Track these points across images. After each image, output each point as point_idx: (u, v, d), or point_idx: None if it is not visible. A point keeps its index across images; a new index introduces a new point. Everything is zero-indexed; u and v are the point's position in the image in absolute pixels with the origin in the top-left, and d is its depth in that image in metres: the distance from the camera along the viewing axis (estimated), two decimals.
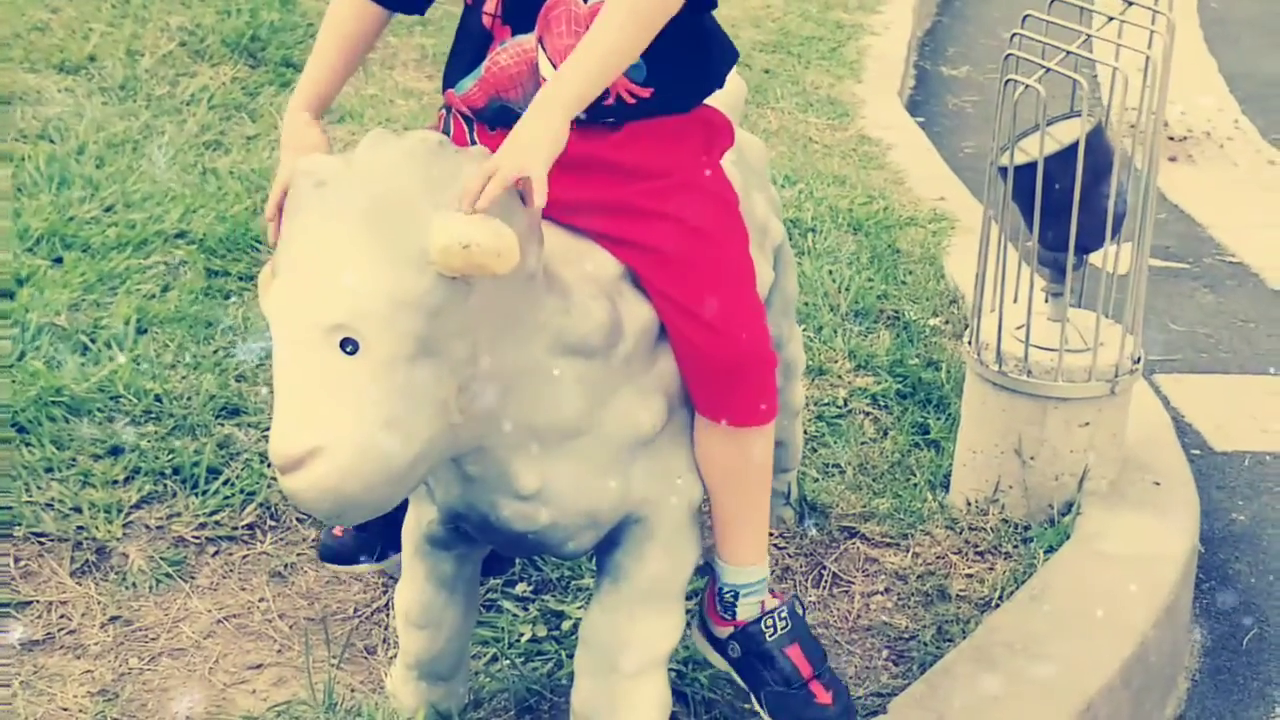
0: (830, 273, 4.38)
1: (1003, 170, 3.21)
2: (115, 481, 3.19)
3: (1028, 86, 3.10)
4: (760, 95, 6.62)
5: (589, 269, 2.32)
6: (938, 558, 3.26)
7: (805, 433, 3.64)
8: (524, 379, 2.22)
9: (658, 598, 2.43)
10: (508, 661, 2.83)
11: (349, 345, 2.02)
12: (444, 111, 2.47)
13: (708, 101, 2.44)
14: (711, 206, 2.37)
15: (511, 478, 2.27)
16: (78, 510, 3.10)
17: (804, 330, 4.04)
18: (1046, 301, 3.33)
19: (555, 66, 2.28)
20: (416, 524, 2.52)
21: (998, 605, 3.08)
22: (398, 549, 2.69)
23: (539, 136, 2.14)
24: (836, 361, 3.94)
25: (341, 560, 2.94)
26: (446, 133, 2.44)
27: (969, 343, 3.37)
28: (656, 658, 2.43)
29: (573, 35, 2.27)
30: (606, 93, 2.27)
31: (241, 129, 5.07)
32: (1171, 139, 7.13)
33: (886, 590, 3.18)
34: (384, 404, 2.04)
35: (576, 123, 2.19)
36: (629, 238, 2.33)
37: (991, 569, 3.23)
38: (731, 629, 2.54)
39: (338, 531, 2.92)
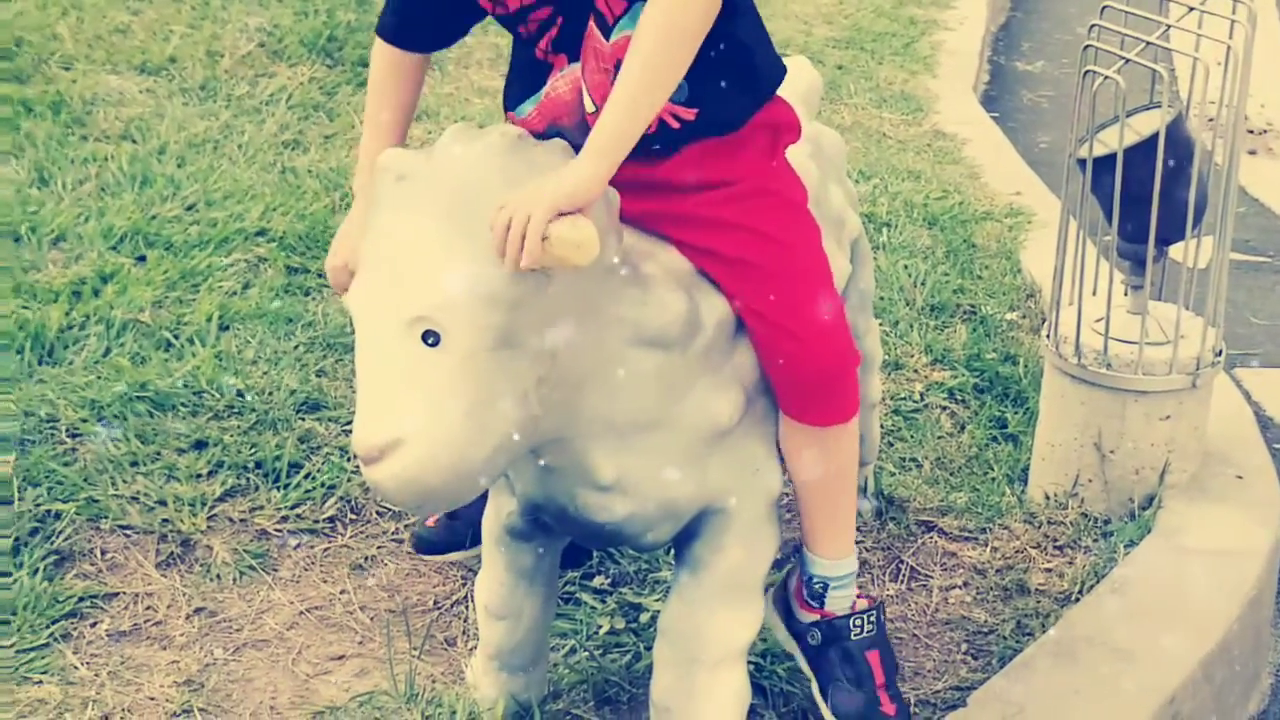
0: (906, 267, 4.37)
1: (1081, 162, 3.20)
2: (199, 475, 3.23)
3: (1107, 78, 3.08)
4: (834, 91, 6.60)
5: (665, 262, 2.33)
6: (1016, 552, 3.25)
7: (882, 427, 3.63)
8: (602, 371, 2.23)
9: (737, 589, 2.44)
10: (586, 653, 2.85)
11: (430, 337, 2.05)
12: None
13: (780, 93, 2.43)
14: (780, 210, 2.36)
15: (590, 469, 2.29)
16: (163, 503, 3.14)
17: (880, 325, 4.03)
18: (1126, 294, 3.31)
19: (593, 98, 2.27)
20: (496, 516, 2.54)
21: (1077, 600, 3.07)
22: None
23: (563, 183, 2.08)
24: (913, 356, 3.93)
25: (436, 550, 2.99)
26: None
27: (1047, 336, 3.36)
28: (736, 649, 2.44)
29: (600, 71, 2.24)
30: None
31: (319, 128, 5.12)
32: (1251, 132, 7.06)
33: (965, 584, 3.17)
34: (464, 395, 2.06)
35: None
36: (697, 243, 2.33)
37: (1071, 563, 3.21)
38: (817, 618, 2.56)
39: (430, 522, 2.97)
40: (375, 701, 2.72)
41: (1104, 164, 3.14)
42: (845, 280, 2.80)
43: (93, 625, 2.88)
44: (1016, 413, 3.73)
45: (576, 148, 2.18)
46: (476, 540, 2.67)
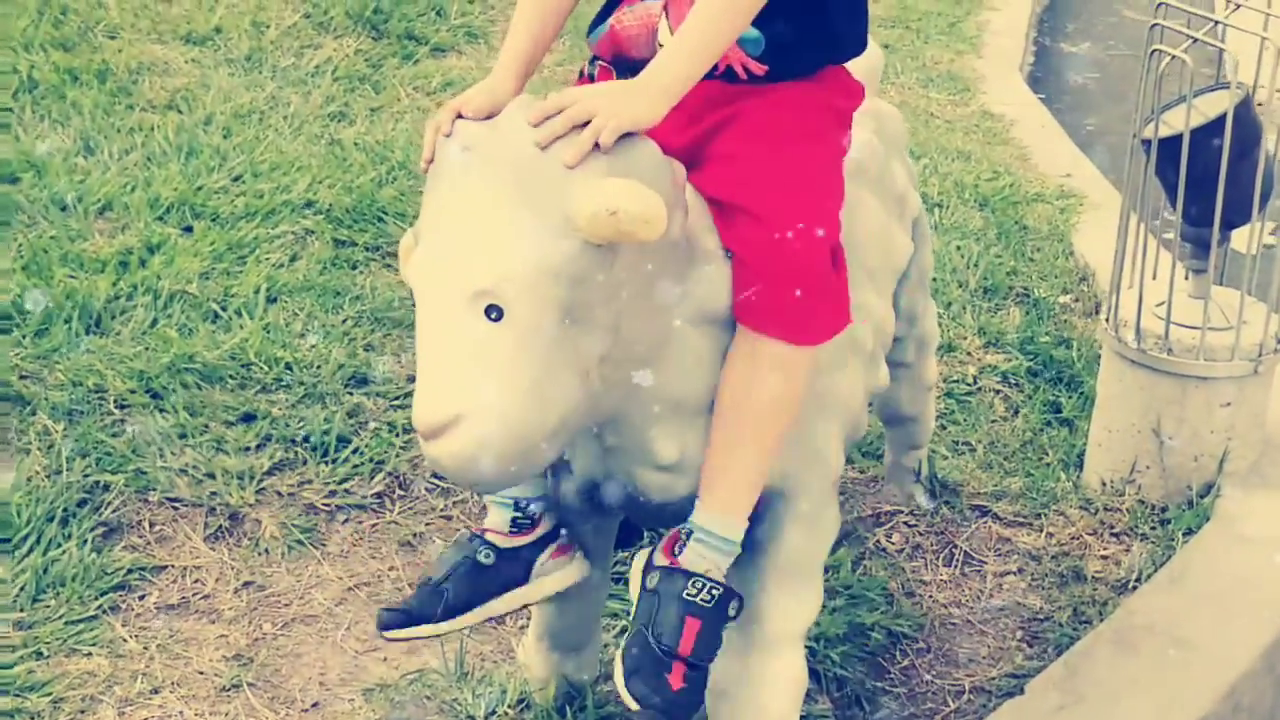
0: (958, 248, 4.32)
1: (1146, 143, 3.14)
2: (247, 448, 3.21)
3: (1174, 57, 3.03)
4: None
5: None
6: (1072, 538, 3.21)
7: (935, 411, 3.59)
8: (665, 348, 2.19)
9: (795, 572, 2.39)
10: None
11: (493, 312, 2.00)
12: (589, 61, 2.44)
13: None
14: (802, 137, 2.27)
15: (650, 448, 2.25)
16: (211, 476, 3.12)
17: None
18: (1188, 278, 3.26)
19: (671, 29, 2.24)
20: (551, 493, 2.51)
21: (1135, 588, 3.03)
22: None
23: (628, 107, 2.07)
24: (966, 338, 3.88)
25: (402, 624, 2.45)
26: (591, 79, 2.41)
27: (1106, 319, 3.31)
28: (794, 633, 2.40)
29: (687, 4, 2.22)
30: (716, 65, 2.21)
31: (365, 100, 5.08)
32: None
33: (1020, 570, 3.13)
34: (527, 371, 2.02)
35: None
36: (707, 156, 2.26)
37: (1128, 550, 3.17)
38: (667, 564, 2.26)
39: (397, 602, 2.56)
40: (426, 679, 2.70)
41: (1169, 145, 3.09)
42: (908, 258, 2.75)
43: (141, 598, 2.86)
44: (1071, 397, 3.68)
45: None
46: (452, 612, 2.40)
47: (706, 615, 2.24)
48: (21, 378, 3.30)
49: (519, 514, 2.45)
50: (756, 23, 2.22)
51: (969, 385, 3.72)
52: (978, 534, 3.23)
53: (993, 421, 3.60)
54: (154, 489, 3.07)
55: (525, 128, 2.09)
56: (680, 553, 2.27)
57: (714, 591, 2.25)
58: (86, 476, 3.05)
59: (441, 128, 2.15)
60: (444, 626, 2.40)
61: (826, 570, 2.94)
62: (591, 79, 2.41)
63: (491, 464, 2.04)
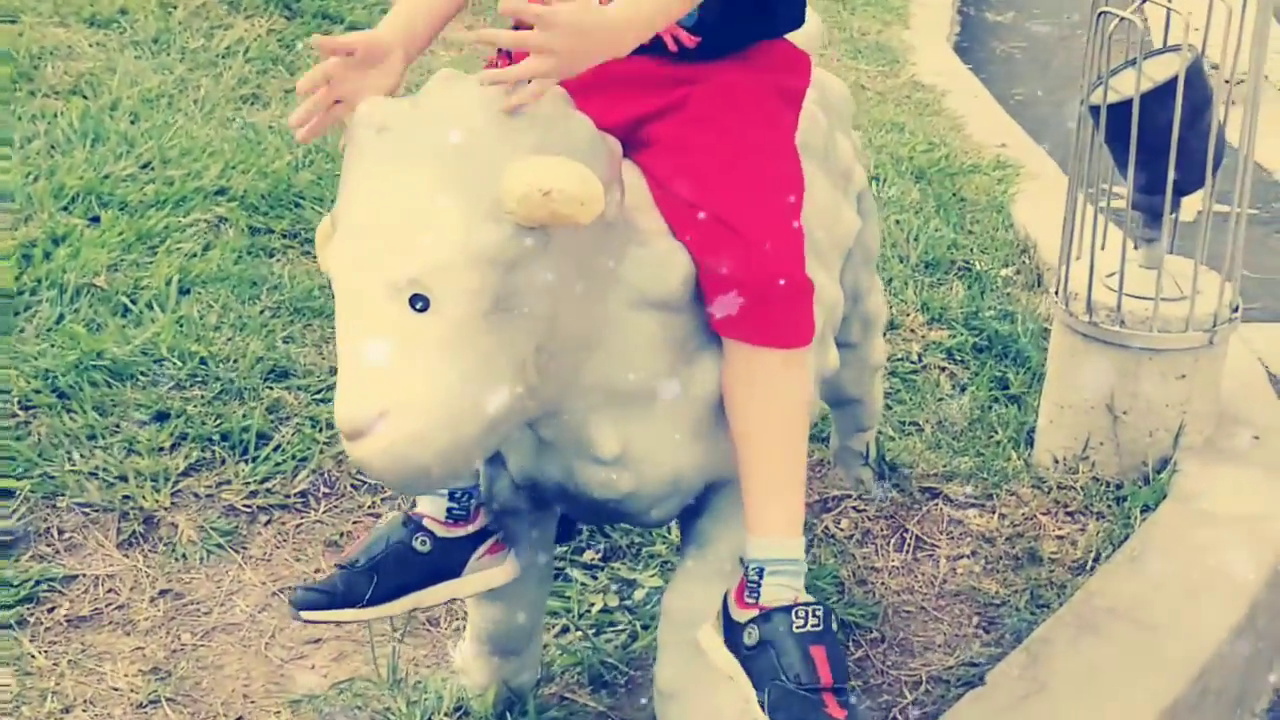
0: (898, 222, 4.20)
1: (1094, 109, 3.03)
2: (161, 449, 3.04)
3: (1122, 19, 2.91)
4: None
5: (659, 218, 2.15)
6: (1026, 519, 3.10)
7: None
8: (604, 336, 2.06)
9: None
10: (579, 633, 2.68)
11: (418, 302, 1.87)
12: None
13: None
14: (758, 122, 2.18)
15: (590, 442, 2.11)
16: (123, 479, 2.95)
17: None
18: (1138, 249, 3.15)
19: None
20: (485, 490, 2.37)
21: (1093, 569, 2.92)
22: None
23: (599, 40, 1.97)
24: (909, 315, 3.77)
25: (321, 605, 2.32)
26: (510, 53, 2.27)
27: (1056, 292, 3.19)
28: None
29: None
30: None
31: (280, 82, 4.90)
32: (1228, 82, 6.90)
33: (973, 554, 3.02)
34: (456, 365, 1.89)
35: None
36: (657, 137, 2.15)
37: (1084, 530, 3.06)
38: (755, 613, 2.14)
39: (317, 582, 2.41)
40: (356, 688, 2.55)
41: (1118, 111, 2.98)
42: (854, 234, 2.63)
43: (50, 610, 2.69)
44: (1018, 372, 3.58)
45: None
46: (379, 597, 2.28)
47: (824, 638, 2.14)
48: None
49: (454, 504, 2.33)
50: None
51: (913, 363, 3.60)
52: (929, 517, 3.11)
53: (939, 400, 3.48)
54: (63, 494, 2.90)
55: (449, 105, 1.95)
56: (758, 596, 2.15)
57: (816, 613, 2.14)
58: None
59: (316, 81, 2.06)
60: (368, 612, 2.28)
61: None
62: (509, 58, 2.27)
63: (421, 464, 1.91)
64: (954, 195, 4.55)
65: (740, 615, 2.18)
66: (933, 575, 2.96)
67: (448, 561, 2.31)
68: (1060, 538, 3.04)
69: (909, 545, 3.03)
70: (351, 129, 2.00)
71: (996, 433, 3.36)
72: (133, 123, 4.39)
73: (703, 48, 2.15)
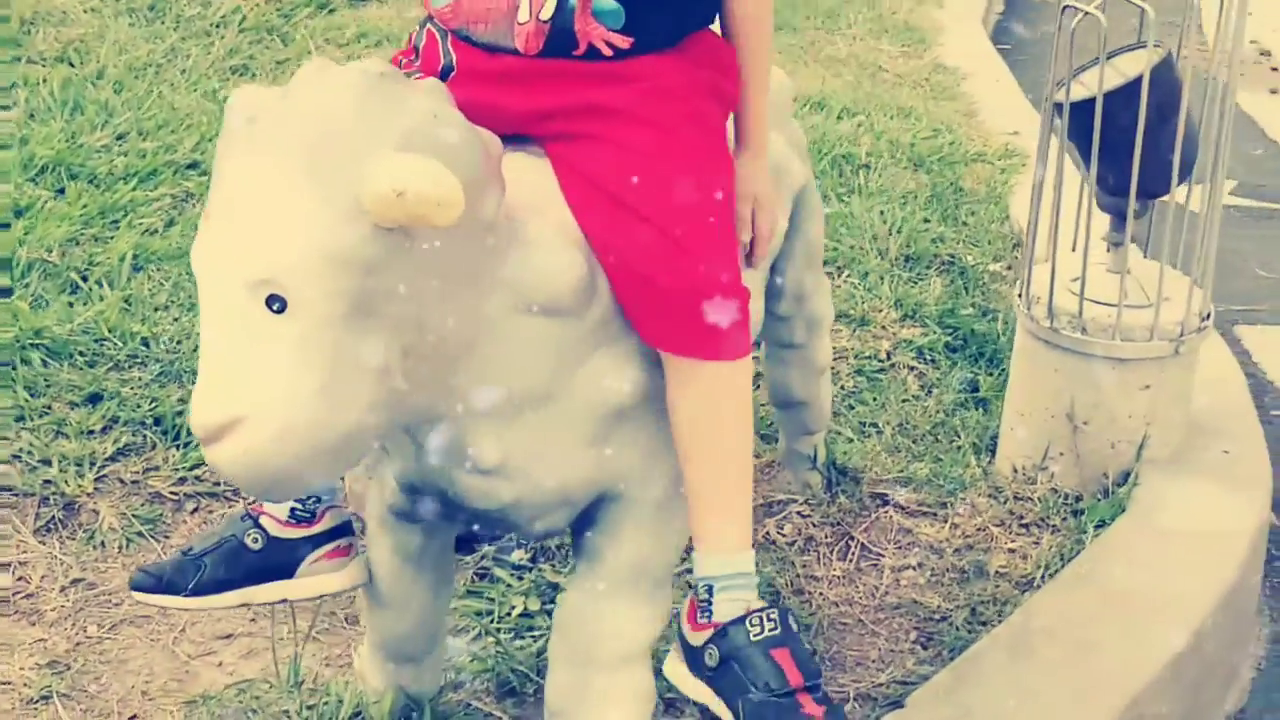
0: (882, 213, 4.07)
1: (1059, 106, 2.91)
2: (91, 432, 2.98)
3: (1086, 14, 2.79)
4: (831, 20, 6.30)
5: (560, 218, 2.06)
6: (978, 530, 2.98)
7: (842, 388, 3.37)
8: (482, 341, 1.97)
9: (638, 582, 2.17)
10: (492, 639, 2.59)
11: (275, 303, 1.79)
12: (419, 26, 2.22)
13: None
14: (687, 117, 2.10)
15: (470, 450, 2.03)
16: (47, 463, 2.89)
17: (848, 277, 3.76)
18: (1109, 251, 3.03)
19: (532, 7, 2.04)
20: (379, 494, 2.29)
21: (1040, 585, 2.80)
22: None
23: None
24: (881, 311, 3.65)
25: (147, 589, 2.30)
26: (418, 46, 2.19)
27: (1019, 295, 3.08)
28: (636, 649, 2.18)
29: None
30: (575, 41, 2.04)
31: (271, 53, 4.83)
32: (1276, 69, 6.73)
33: (919, 565, 2.91)
34: (315, 369, 1.81)
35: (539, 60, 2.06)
36: (574, 129, 2.08)
37: (1037, 543, 2.94)
38: (710, 632, 2.10)
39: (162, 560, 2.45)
40: (255, 689, 2.47)
41: (1083, 109, 2.85)
42: (780, 236, 2.52)
43: None
44: (990, 375, 3.45)
45: (494, 49, 2.06)
46: (205, 589, 2.25)
47: (786, 640, 2.10)
48: None
49: (299, 505, 2.28)
50: None
51: (881, 361, 3.49)
52: (877, 524, 3.00)
53: (904, 401, 3.37)
54: None
55: (317, 96, 1.86)
56: (710, 614, 2.12)
57: (772, 617, 2.11)
58: None
59: None
60: (193, 603, 2.26)
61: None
62: (416, 51, 2.18)
63: (277, 470, 1.84)
64: (951, 185, 4.42)
65: (696, 638, 2.15)
66: (874, 586, 2.85)
67: (279, 561, 2.27)
68: (1011, 551, 2.93)
69: (853, 554, 2.93)
70: (225, 118, 1.93)
71: (959, 438, 3.24)
72: (116, 92, 4.34)
73: (636, 46, 2.07)
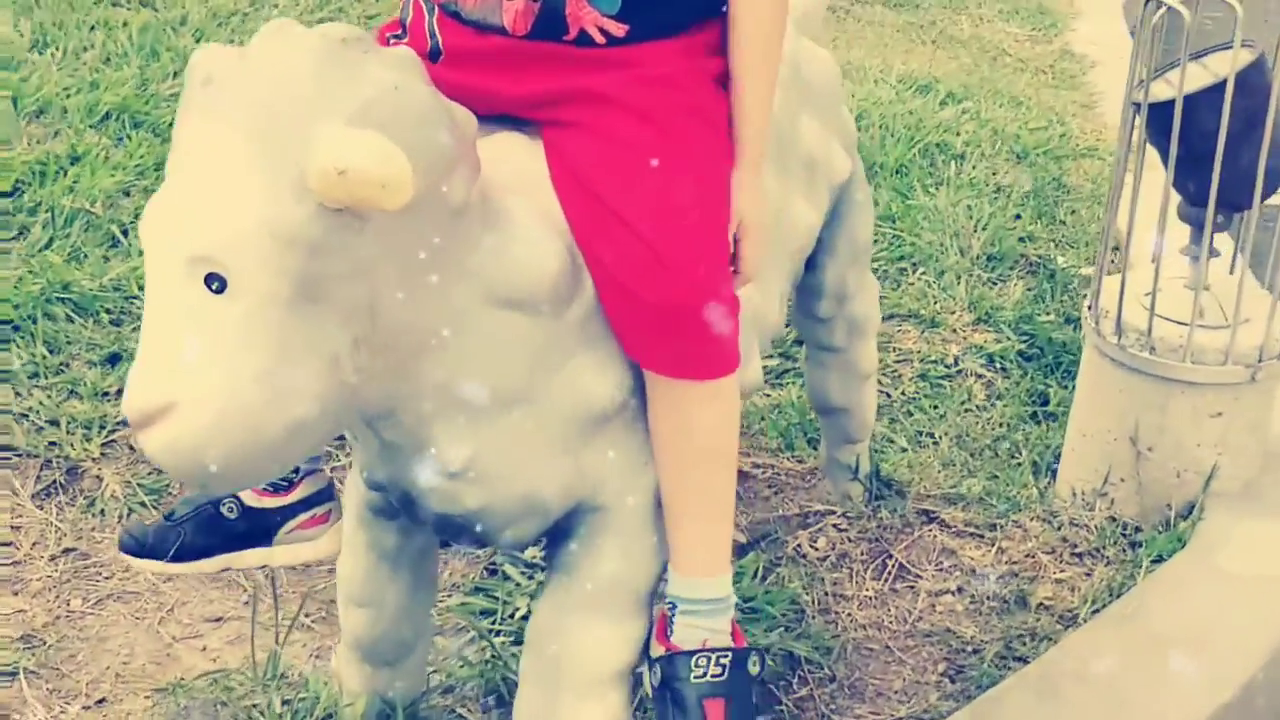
0: (969, 208, 3.85)
1: (1137, 106, 2.69)
2: (105, 394, 2.88)
3: (1170, 8, 2.57)
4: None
5: (545, 203, 1.90)
6: (1026, 556, 2.79)
7: (902, 393, 3.18)
8: (447, 335, 1.82)
9: (614, 603, 2.01)
10: (486, 643, 2.45)
11: (214, 282, 1.66)
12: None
13: None
14: (681, 110, 1.92)
15: (433, 451, 1.88)
16: (55, 424, 2.80)
17: (921, 275, 3.56)
18: (1188, 265, 2.80)
19: None
20: (356, 488, 2.15)
21: (1084, 622, 2.60)
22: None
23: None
24: (954, 313, 3.44)
25: (131, 552, 2.29)
26: (404, 22, 2.04)
27: (1089, 307, 2.86)
28: (610, 672, 2.02)
29: None
30: (565, 26, 1.88)
31: (363, 6, 4.72)
32: None
33: (959, 590, 2.72)
34: (254, 355, 1.67)
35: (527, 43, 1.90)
36: (562, 117, 1.91)
37: (1088, 575, 2.74)
38: (663, 651, 2.01)
39: (149, 522, 2.34)
40: (229, 680, 2.36)
41: (1166, 110, 2.64)
42: (810, 232, 2.34)
43: None
44: (1064, 387, 3.24)
45: (482, 27, 1.90)
46: (186, 555, 2.23)
47: (726, 690, 1.96)
48: None
49: None
50: None
51: (947, 367, 3.29)
52: (919, 543, 2.81)
53: (966, 411, 3.17)
54: None
55: (274, 59, 1.72)
56: (670, 634, 2.00)
57: (722, 661, 1.98)
58: None
59: None
60: (175, 568, 2.26)
61: None
62: (403, 27, 2.03)
63: (211, 462, 1.70)
64: (1053, 180, 4.18)
65: (655, 650, 2.03)
66: (907, 610, 2.67)
67: (254, 530, 2.25)
68: (1059, 582, 2.73)
69: (889, 573, 2.74)
70: (186, 77, 1.80)
71: (1019, 454, 3.04)
72: (196, 40, 4.24)
73: (632, 33, 1.90)
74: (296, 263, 1.66)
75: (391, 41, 2.05)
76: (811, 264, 2.53)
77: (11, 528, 2.62)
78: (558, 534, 2.03)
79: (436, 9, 1.97)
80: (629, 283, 1.86)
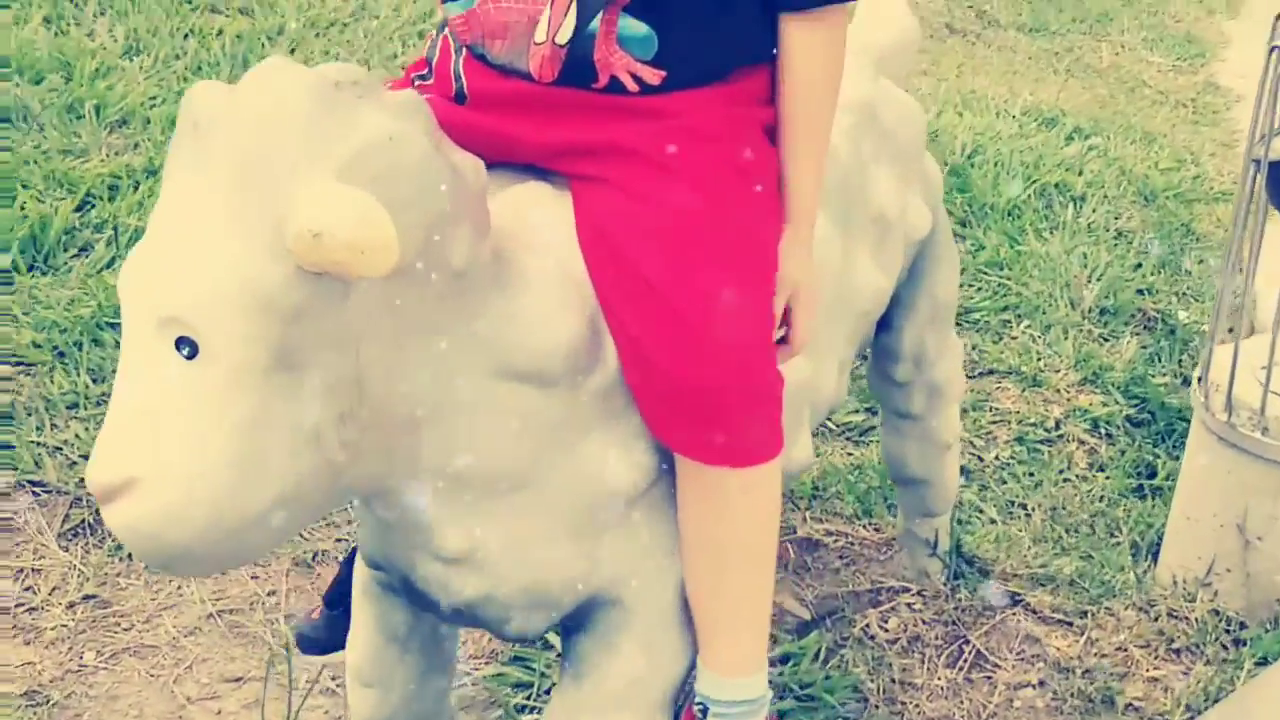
0: (1084, 256, 3.60)
1: (1257, 163, 2.45)
2: None
3: None
4: (1100, 25, 5.78)
5: (565, 264, 1.72)
6: (1118, 649, 2.55)
7: (996, 458, 2.96)
8: (447, 409, 1.64)
9: (633, 706, 1.82)
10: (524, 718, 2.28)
11: (185, 346, 1.49)
12: (435, 32, 1.89)
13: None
14: (719, 165, 1.72)
15: (431, 533, 1.71)
16: (87, 458, 2.65)
17: (1026, 328, 3.32)
18: None
19: (549, 29, 1.69)
20: (362, 562, 1.98)
21: None
22: None
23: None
24: (1058, 371, 3.20)
25: (317, 649, 2.26)
26: (431, 56, 1.87)
27: (1199, 379, 2.62)
28: None
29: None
30: (595, 74, 1.69)
31: None
32: None
33: (1040, 684, 2.49)
34: (225, 429, 1.50)
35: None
36: (588, 171, 1.72)
37: (1185, 673, 2.50)
38: None
39: (315, 616, 2.28)
40: None
41: None
42: (877, 299, 2.13)
43: None
44: (1174, 459, 2.99)
45: (507, 71, 1.72)
46: None
47: None
48: None
49: None
50: (644, 14, 1.66)
51: (1047, 431, 3.05)
52: (1000, 629, 2.59)
53: (1065, 481, 2.93)
54: (13, 468, 2.62)
55: (263, 101, 1.55)
56: None
57: None
58: None
59: None
60: None
61: (785, 660, 2.38)
62: (429, 66, 1.86)
63: (177, 544, 1.54)
64: (1181, 226, 3.92)
65: None
66: (981, 705, 2.45)
67: None
68: (1152, 680, 2.49)
69: (965, 661, 2.52)
70: (179, 117, 1.64)
71: (1119, 534, 2.80)
72: (291, 50, 4.11)
73: (669, 80, 1.70)
74: (273, 329, 1.49)
75: (416, 82, 1.88)
76: (887, 324, 2.33)
77: (33, 569, 2.49)
78: (572, 625, 1.84)
79: (464, 50, 1.80)
80: (658, 357, 1.67)
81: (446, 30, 1.84)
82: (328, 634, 2.22)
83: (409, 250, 1.52)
